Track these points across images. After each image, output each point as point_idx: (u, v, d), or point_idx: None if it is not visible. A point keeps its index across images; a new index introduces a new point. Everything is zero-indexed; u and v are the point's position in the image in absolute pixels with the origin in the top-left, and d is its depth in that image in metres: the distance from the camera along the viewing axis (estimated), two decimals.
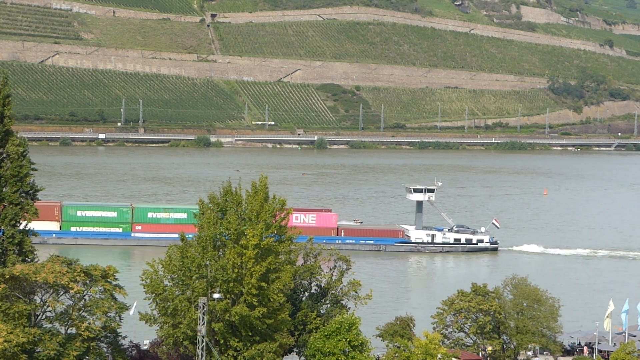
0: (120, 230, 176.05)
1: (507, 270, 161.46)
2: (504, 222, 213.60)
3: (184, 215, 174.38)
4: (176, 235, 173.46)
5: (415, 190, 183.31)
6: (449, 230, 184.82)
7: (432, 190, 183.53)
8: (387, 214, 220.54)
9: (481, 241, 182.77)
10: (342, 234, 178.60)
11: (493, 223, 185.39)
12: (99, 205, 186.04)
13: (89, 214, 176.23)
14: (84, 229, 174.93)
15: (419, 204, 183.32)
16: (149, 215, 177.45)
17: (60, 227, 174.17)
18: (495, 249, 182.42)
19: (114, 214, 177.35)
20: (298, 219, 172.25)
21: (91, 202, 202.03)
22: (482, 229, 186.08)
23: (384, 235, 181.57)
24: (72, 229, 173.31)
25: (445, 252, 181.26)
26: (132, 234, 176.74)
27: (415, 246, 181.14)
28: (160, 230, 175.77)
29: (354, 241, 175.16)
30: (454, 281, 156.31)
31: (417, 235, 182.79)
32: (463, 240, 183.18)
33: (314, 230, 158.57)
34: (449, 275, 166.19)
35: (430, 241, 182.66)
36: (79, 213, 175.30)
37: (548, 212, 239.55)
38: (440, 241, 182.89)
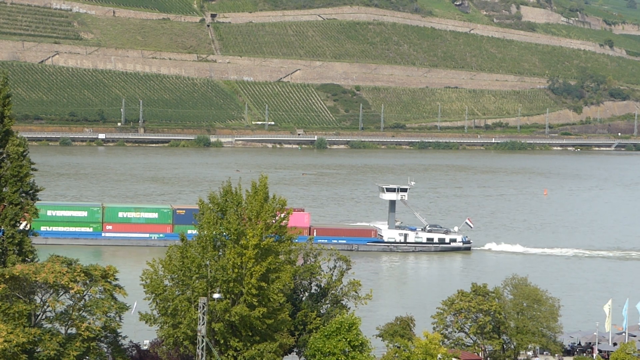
0: (91, 229, 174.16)
1: (478, 269, 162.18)
2: (489, 222, 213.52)
3: (154, 215, 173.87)
4: (147, 235, 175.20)
5: (388, 190, 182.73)
6: (422, 229, 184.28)
7: (404, 190, 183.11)
8: (378, 213, 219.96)
9: (454, 240, 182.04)
10: (315, 233, 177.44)
11: (466, 222, 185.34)
12: (69, 204, 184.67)
13: (59, 213, 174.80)
14: (54, 228, 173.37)
15: (392, 203, 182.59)
16: (120, 214, 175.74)
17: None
18: (469, 249, 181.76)
19: (84, 214, 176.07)
20: None
21: (61, 201, 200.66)
22: (456, 229, 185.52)
23: (357, 235, 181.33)
24: (43, 228, 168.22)
25: (418, 251, 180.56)
26: (103, 234, 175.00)
27: (388, 246, 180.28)
28: (131, 230, 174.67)
29: (326, 241, 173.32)
30: (426, 281, 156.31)
31: (389, 234, 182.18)
32: (436, 240, 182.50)
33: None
34: (421, 275, 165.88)
35: (403, 241, 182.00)
36: (49, 212, 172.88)
37: (537, 212, 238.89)
38: (413, 241, 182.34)
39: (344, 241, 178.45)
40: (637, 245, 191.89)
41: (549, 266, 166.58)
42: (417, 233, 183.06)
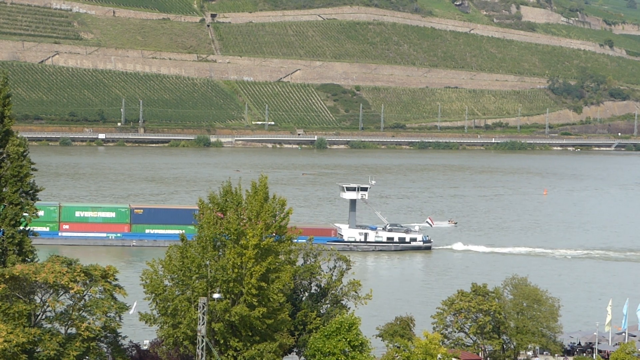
0: (47, 229, 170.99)
1: (438, 268, 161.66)
2: (473, 222, 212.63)
3: (112, 215, 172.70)
4: (104, 235, 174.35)
5: (348, 189, 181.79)
6: (382, 229, 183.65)
7: (365, 189, 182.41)
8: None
9: (414, 240, 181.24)
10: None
11: (427, 222, 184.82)
12: None
13: None
14: None
15: (352, 202, 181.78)
16: (77, 214, 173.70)
17: None
18: (429, 248, 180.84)
19: (40, 213, 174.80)
20: None
21: None
22: (416, 227, 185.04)
23: (316, 234, 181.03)
24: None
25: (378, 250, 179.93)
26: (60, 233, 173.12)
27: (348, 245, 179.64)
28: (88, 229, 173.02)
29: None
30: (386, 280, 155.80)
31: (349, 234, 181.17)
32: (396, 239, 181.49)
33: None
34: (381, 274, 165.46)
35: (363, 240, 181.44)
36: None
37: (530, 212, 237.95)
38: (373, 240, 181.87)
39: (303, 240, 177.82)
40: (615, 245, 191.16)
41: (510, 266, 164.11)
42: (377, 232, 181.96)
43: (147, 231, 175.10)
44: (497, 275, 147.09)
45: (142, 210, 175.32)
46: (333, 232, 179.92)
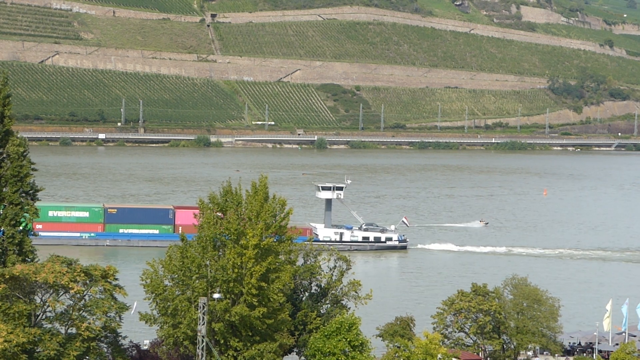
0: (20, 228, 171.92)
1: (413, 268, 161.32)
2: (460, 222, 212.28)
3: (85, 214, 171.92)
4: (77, 234, 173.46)
5: (324, 188, 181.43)
6: (358, 228, 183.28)
7: (340, 188, 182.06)
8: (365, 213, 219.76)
9: (390, 239, 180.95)
10: None
11: (403, 221, 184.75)
12: None
13: None
14: None
15: (328, 202, 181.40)
16: (50, 213, 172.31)
17: None
18: (405, 247, 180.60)
19: None
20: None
21: None
22: (392, 227, 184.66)
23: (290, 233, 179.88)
24: None
25: (353, 250, 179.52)
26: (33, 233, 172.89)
27: (323, 244, 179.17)
28: (62, 229, 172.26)
29: None
30: (362, 279, 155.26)
31: (325, 233, 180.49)
32: (371, 239, 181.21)
33: None
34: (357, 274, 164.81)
35: (338, 239, 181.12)
36: None
37: (523, 212, 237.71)
38: (349, 239, 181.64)
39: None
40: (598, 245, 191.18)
41: (485, 266, 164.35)
42: (352, 232, 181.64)
43: (120, 231, 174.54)
44: (467, 275, 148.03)
45: (115, 210, 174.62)
46: (308, 232, 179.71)
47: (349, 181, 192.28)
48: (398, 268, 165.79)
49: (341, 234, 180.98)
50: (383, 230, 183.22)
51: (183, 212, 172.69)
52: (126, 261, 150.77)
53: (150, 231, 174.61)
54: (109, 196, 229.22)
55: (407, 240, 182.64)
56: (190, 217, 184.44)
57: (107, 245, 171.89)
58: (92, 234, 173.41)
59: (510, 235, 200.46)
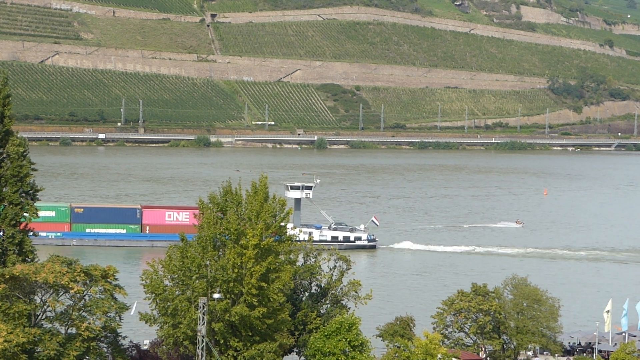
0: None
1: (382, 267, 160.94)
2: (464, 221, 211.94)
3: (52, 213, 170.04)
4: (43, 234, 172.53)
5: (292, 188, 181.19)
6: (327, 227, 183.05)
7: (309, 188, 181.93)
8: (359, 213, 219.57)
9: (359, 239, 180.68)
10: None
11: (372, 220, 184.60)
12: None
13: None
14: None
15: (297, 201, 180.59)
16: None
17: None
18: (374, 247, 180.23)
19: None
20: (171, 217, 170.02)
21: None
22: (362, 227, 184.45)
23: None
24: None
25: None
26: None
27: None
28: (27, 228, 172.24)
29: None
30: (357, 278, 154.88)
31: (293, 232, 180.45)
32: (341, 238, 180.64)
33: (187, 228, 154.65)
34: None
35: (307, 239, 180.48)
36: None
37: (515, 212, 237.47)
38: (318, 239, 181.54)
39: None
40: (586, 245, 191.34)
41: (455, 264, 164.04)
42: (321, 231, 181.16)
43: (87, 230, 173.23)
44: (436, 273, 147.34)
45: (82, 209, 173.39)
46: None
47: (318, 181, 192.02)
48: (366, 267, 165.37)
49: (309, 233, 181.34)
50: (352, 230, 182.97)
51: (150, 212, 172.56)
52: (93, 261, 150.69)
53: (117, 231, 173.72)
54: (105, 196, 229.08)
55: (377, 239, 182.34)
56: (157, 216, 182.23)
57: (73, 245, 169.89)
58: (59, 234, 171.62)
59: (504, 235, 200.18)
